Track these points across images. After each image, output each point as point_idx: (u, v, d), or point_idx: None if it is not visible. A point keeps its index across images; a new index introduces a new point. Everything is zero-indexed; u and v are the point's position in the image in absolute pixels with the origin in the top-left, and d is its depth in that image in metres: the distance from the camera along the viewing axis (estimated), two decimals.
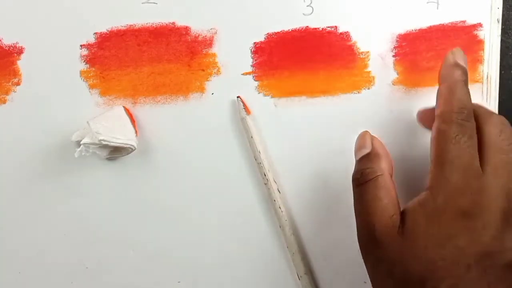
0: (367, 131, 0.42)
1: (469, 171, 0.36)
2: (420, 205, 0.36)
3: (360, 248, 0.39)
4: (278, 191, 0.45)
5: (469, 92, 0.39)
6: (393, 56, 0.45)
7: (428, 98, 0.45)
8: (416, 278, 0.35)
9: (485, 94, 0.45)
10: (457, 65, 0.40)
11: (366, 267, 0.39)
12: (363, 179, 0.39)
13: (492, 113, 0.39)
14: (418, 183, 0.46)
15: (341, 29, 0.45)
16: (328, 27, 0.45)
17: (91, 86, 0.46)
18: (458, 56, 0.40)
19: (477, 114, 0.38)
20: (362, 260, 0.46)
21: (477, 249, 0.34)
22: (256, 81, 0.46)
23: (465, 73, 0.40)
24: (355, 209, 0.40)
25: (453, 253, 0.34)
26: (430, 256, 0.35)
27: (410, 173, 0.46)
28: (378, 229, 0.37)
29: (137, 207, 0.47)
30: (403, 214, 0.37)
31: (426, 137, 0.45)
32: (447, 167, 0.36)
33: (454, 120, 0.37)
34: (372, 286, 0.39)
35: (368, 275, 0.39)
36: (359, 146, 0.41)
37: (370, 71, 0.45)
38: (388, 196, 0.38)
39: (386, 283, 0.37)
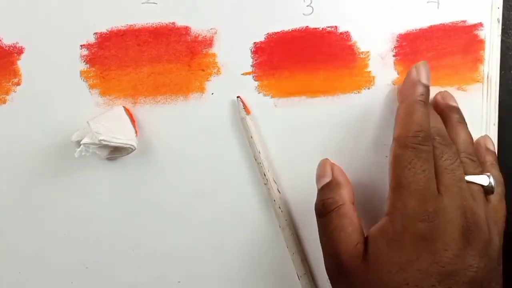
0: (327, 159, 0.43)
1: (425, 195, 0.36)
2: (380, 231, 0.37)
3: (328, 277, 0.40)
4: (278, 191, 0.45)
5: (428, 112, 0.39)
6: (394, 56, 0.45)
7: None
8: None
9: (485, 94, 0.45)
10: (418, 83, 0.40)
11: None
12: (325, 210, 0.40)
13: (434, 135, 0.39)
14: None
15: (341, 29, 0.45)
16: (328, 27, 0.45)
17: (91, 86, 0.46)
18: (421, 71, 0.41)
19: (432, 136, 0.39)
20: None
21: (439, 270, 0.35)
22: (256, 81, 0.46)
23: (426, 91, 0.40)
24: (320, 240, 0.41)
25: (416, 277, 0.35)
26: (394, 281, 0.35)
27: None
28: (344, 259, 0.38)
29: (137, 207, 0.47)
30: (366, 241, 0.38)
31: None
32: (404, 193, 0.37)
33: (409, 145, 0.37)
34: None
35: None
36: (319, 175, 0.42)
37: (370, 71, 0.45)
38: (351, 225, 0.39)
39: None
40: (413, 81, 0.41)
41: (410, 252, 0.36)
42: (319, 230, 0.41)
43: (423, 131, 0.38)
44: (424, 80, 0.41)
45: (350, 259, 0.37)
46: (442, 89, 0.45)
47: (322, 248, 0.40)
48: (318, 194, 0.42)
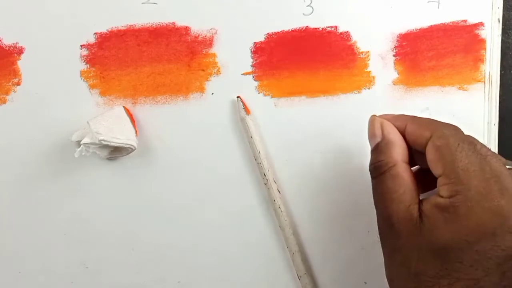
0: (375, 115, 0.40)
1: (486, 174, 0.34)
2: (440, 209, 0.35)
3: (380, 236, 0.39)
4: (278, 191, 0.45)
5: None
6: (394, 55, 0.45)
7: (428, 98, 0.45)
8: (431, 273, 0.35)
9: (487, 93, 0.45)
10: (393, 117, 0.40)
11: (383, 255, 0.39)
12: (376, 172, 0.38)
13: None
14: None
15: (341, 29, 0.45)
16: (328, 27, 0.45)
17: (91, 86, 0.46)
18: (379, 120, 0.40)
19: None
20: (362, 260, 0.46)
21: (499, 253, 0.33)
22: (256, 81, 0.46)
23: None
24: (374, 200, 0.39)
25: (472, 258, 0.34)
26: (447, 257, 0.34)
27: None
28: (395, 220, 0.36)
29: (137, 207, 0.47)
30: (421, 211, 0.36)
31: None
32: (463, 175, 0.34)
33: (448, 134, 0.36)
34: (386, 273, 0.38)
35: (384, 263, 0.39)
36: (370, 134, 0.40)
37: (370, 71, 0.45)
38: (403, 186, 0.37)
39: (401, 273, 0.37)
40: (389, 118, 0.40)
41: (472, 234, 0.34)
42: (373, 191, 0.39)
43: (451, 125, 0.37)
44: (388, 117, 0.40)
45: (402, 220, 0.36)
46: (443, 89, 0.45)
47: (376, 209, 0.39)
48: (371, 155, 0.39)
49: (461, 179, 0.34)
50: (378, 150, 0.39)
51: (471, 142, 0.35)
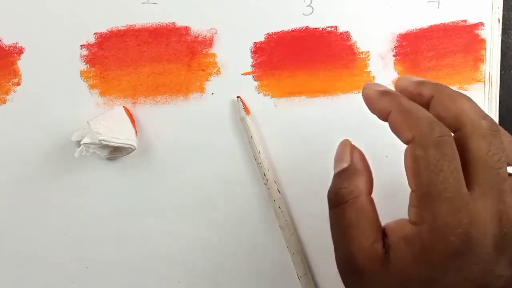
0: (348, 140, 0.37)
1: (457, 202, 0.31)
2: (406, 241, 0.32)
3: (341, 276, 0.35)
4: (278, 191, 0.45)
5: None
6: (394, 55, 0.45)
7: None
8: None
9: (487, 94, 0.45)
10: (384, 92, 0.35)
11: None
12: (337, 201, 0.34)
13: (480, 118, 0.32)
14: None
15: (341, 29, 0.45)
16: (328, 27, 0.45)
17: (91, 86, 0.46)
18: (374, 85, 0.36)
19: (458, 126, 0.32)
20: None
21: (467, 285, 0.31)
22: (256, 81, 0.46)
23: (399, 93, 0.35)
24: (331, 233, 0.36)
25: None
26: None
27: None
28: (358, 259, 0.33)
29: (137, 207, 0.47)
30: (386, 245, 0.33)
31: None
32: (433, 202, 0.31)
33: (430, 142, 0.31)
34: None
35: None
36: (337, 158, 0.36)
37: (370, 71, 0.45)
38: (366, 220, 0.33)
39: None
40: (378, 93, 0.35)
41: (438, 269, 0.31)
42: (330, 222, 0.35)
43: (433, 121, 0.32)
44: (383, 88, 0.35)
45: (366, 259, 0.33)
46: None
47: (333, 242, 0.35)
48: (332, 180, 0.36)
49: (431, 205, 0.31)
50: (344, 176, 0.35)
51: (453, 156, 0.31)
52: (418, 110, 0.32)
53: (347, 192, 0.34)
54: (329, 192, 0.36)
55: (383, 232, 0.33)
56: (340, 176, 0.35)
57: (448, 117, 0.32)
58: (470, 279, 0.31)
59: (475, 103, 0.32)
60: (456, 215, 0.30)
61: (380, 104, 0.34)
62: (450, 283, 0.31)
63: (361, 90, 0.36)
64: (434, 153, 0.31)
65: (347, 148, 0.36)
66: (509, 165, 0.32)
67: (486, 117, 0.32)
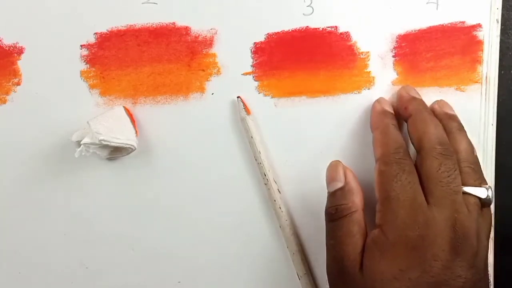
0: (339, 161, 0.43)
1: (414, 206, 0.38)
2: (374, 242, 0.38)
3: (329, 281, 0.41)
4: (278, 191, 0.45)
5: (400, 134, 0.42)
6: (393, 56, 0.45)
7: (428, 98, 0.45)
8: None
9: (484, 95, 0.46)
10: (384, 111, 0.43)
11: None
12: (337, 215, 0.40)
13: (436, 143, 0.40)
14: None
15: (341, 29, 0.45)
16: (328, 27, 0.45)
17: (91, 86, 0.46)
18: (384, 103, 0.44)
19: (419, 147, 0.40)
20: None
21: (429, 280, 0.36)
22: (256, 81, 0.46)
23: (394, 118, 0.43)
24: (327, 243, 0.41)
25: (407, 286, 0.36)
26: None
27: None
28: (346, 264, 0.39)
29: (137, 207, 0.47)
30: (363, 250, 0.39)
31: None
32: (393, 204, 0.38)
33: (392, 160, 0.40)
34: None
35: None
36: (331, 178, 0.42)
37: (370, 71, 0.45)
38: (359, 232, 0.39)
39: None
40: (379, 111, 0.44)
41: (402, 262, 0.37)
42: (327, 234, 0.41)
43: (402, 147, 0.40)
44: (388, 108, 0.44)
45: (351, 264, 0.39)
46: (441, 89, 0.45)
47: (328, 251, 0.41)
48: (329, 198, 0.42)
49: (391, 207, 0.38)
50: (341, 194, 0.41)
51: (411, 172, 0.39)
52: (394, 136, 0.41)
53: (346, 208, 0.40)
54: (328, 208, 0.41)
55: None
56: (337, 194, 0.41)
57: (414, 137, 0.41)
58: (431, 274, 0.36)
59: (441, 130, 0.41)
60: (413, 216, 0.37)
61: (376, 119, 0.44)
62: (414, 276, 0.36)
63: (375, 100, 0.45)
64: (395, 168, 0.39)
65: (340, 169, 0.42)
66: (464, 185, 0.39)
67: (443, 143, 0.40)
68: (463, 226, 0.37)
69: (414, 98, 0.44)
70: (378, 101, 0.45)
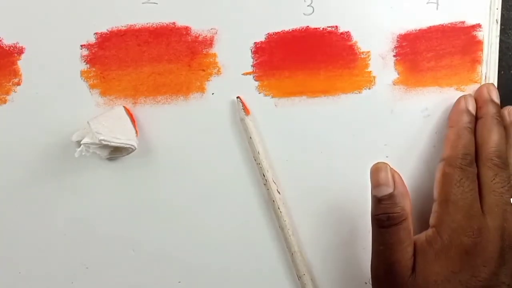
0: (386, 163, 0.41)
1: (471, 212, 0.39)
2: (428, 242, 0.40)
3: (373, 284, 0.42)
4: (278, 191, 0.45)
5: (473, 139, 0.42)
6: (394, 56, 0.45)
7: (427, 98, 0.45)
8: None
9: None
10: (467, 111, 0.43)
11: None
12: (389, 223, 0.40)
13: (494, 154, 0.41)
14: (418, 184, 0.46)
15: (341, 29, 0.45)
16: (329, 27, 0.45)
17: (92, 86, 0.46)
18: (469, 102, 0.44)
19: (479, 153, 0.42)
20: (362, 260, 0.46)
21: (477, 284, 0.38)
22: (256, 81, 0.46)
23: (472, 120, 0.43)
24: (375, 248, 0.41)
25: None
26: None
27: (410, 173, 0.46)
28: (397, 270, 0.40)
29: (137, 207, 0.47)
30: (414, 251, 0.40)
31: (423, 139, 0.46)
32: (452, 208, 0.40)
33: (458, 165, 0.41)
34: None
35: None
36: (378, 181, 0.40)
37: (370, 71, 0.45)
38: (409, 239, 0.40)
39: None
40: (462, 110, 0.44)
41: (455, 264, 0.39)
42: (376, 239, 0.41)
43: (470, 155, 0.41)
44: (471, 109, 0.44)
45: (402, 270, 0.39)
46: (442, 89, 0.45)
47: (377, 256, 0.41)
48: (378, 203, 0.40)
49: (449, 211, 0.40)
50: (392, 200, 0.40)
51: (473, 180, 0.40)
52: (466, 140, 0.42)
53: (398, 216, 0.40)
54: (377, 214, 0.40)
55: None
56: (387, 201, 0.40)
57: (477, 141, 0.42)
58: (479, 278, 0.38)
59: (502, 142, 0.42)
60: (468, 222, 0.39)
61: (455, 116, 0.44)
62: (464, 279, 0.38)
63: (462, 96, 0.45)
64: (460, 173, 0.40)
65: (388, 173, 0.41)
66: None
67: (500, 156, 0.41)
68: (510, 235, 0.39)
69: (490, 101, 0.43)
70: (465, 98, 0.44)
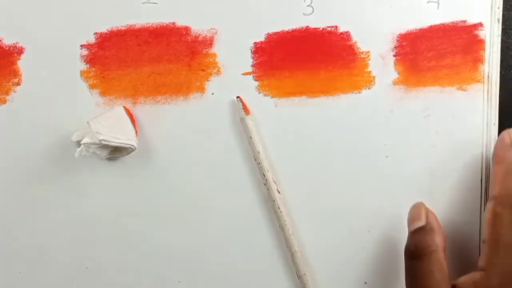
0: (422, 203, 0.43)
1: None
2: (475, 285, 0.38)
3: None
4: (278, 191, 0.45)
5: None
6: (394, 55, 0.45)
7: (428, 98, 0.45)
8: None
9: (486, 94, 0.45)
10: None
11: None
12: (417, 253, 0.40)
13: None
14: (418, 184, 0.46)
15: (341, 29, 0.45)
16: (329, 27, 0.45)
17: (91, 86, 0.46)
18: None
19: None
20: (362, 260, 0.46)
21: None
22: (256, 81, 0.46)
23: None
24: (407, 281, 0.41)
25: None
26: None
27: (410, 173, 0.46)
28: None
29: (137, 207, 0.47)
30: None
31: (423, 139, 0.45)
32: (502, 250, 0.38)
33: (510, 205, 0.39)
34: None
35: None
36: (413, 217, 0.42)
37: (370, 71, 0.45)
38: (441, 273, 0.39)
39: None
40: (508, 145, 0.42)
41: None
42: (407, 272, 0.41)
43: None
44: None
45: None
46: (443, 89, 0.45)
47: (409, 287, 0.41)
48: (410, 236, 0.42)
49: (500, 253, 0.38)
50: (422, 232, 0.41)
51: None
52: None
53: (426, 246, 0.40)
54: (408, 245, 0.41)
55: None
56: (418, 233, 0.41)
57: None
58: None
59: None
60: None
61: (501, 152, 0.42)
62: None
63: (505, 131, 0.42)
64: (510, 213, 0.38)
65: (422, 209, 0.42)
66: None
67: None
68: None
69: None
70: (509, 133, 0.42)
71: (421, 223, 0.41)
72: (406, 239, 0.42)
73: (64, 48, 0.46)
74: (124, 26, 0.46)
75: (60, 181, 0.47)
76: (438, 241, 0.40)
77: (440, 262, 0.39)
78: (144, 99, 0.46)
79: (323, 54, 0.45)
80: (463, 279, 0.39)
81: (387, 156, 0.46)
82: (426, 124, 0.45)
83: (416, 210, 0.42)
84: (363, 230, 0.46)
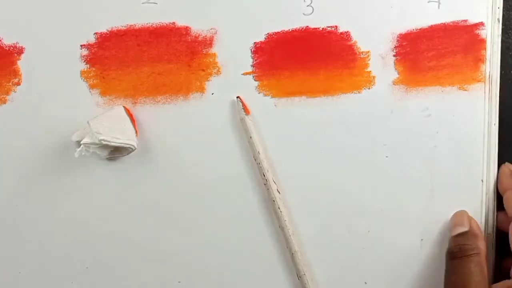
0: (465, 210, 0.45)
1: None
2: None
3: None
4: (278, 191, 0.45)
5: None
6: (394, 55, 0.45)
7: (429, 97, 0.45)
8: None
9: (487, 93, 0.45)
10: None
11: None
12: (460, 254, 0.42)
13: None
14: (418, 184, 0.45)
15: (341, 29, 0.45)
16: (328, 27, 0.45)
17: (92, 86, 0.46)
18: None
19: None
20: (362, 260, 0.46)
21: None
22: (256, 81, 0.46)
23: None
24: (447, 279, 0.43)
25: None
26: None
27: (410, 173, 0.46)
28: None
29: (137, 207, 0.47)
30: None
31: (423, 139, 0.45)
32: None
33: None
34: None
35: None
36: (456, 223, 0.45)
37: (370, 71, 0.45)
38: (481, 275, 0.41)
39: None
40: (508, 173, 0.45)
41: None
42: (448, 271, 0.43)
43: None
44: None
45: None
46: (444, 89, 0.45)
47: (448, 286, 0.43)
48: (453, 240, 0.44)
49: None
50: (465, 237, 0.43)
51: None
52: None
53: (469, 248, 0.42)
54: (451, 247, 0.44)
55: None
56: (461, 236, 0.43)
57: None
58: None
59: None
60: None
61: (505, 180, 0.45)
62: None
63: (503, 165, 0.46)
64: None
65: (465, 216, 0.45)
66: None
67: None
68: None
69: None
70: (506, 165, 0.46)
71: (465, 228, 0.43)
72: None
73: (64, 48, 0.46)
74: (124, 26, 0.46)
75: (60, 181, 0.47)
76: (480, 245, 0.42)
77: (481, 265, 0.41)
78: (144, 99, 0.46)
79: (323, 54, 0.45)
80: (500, 284, 0.41)
81: (387, 156, 0.46)
82: (427, 124, 0.45)
83: (459, 217, 0.45)
84: (363, 230, 0.46)
